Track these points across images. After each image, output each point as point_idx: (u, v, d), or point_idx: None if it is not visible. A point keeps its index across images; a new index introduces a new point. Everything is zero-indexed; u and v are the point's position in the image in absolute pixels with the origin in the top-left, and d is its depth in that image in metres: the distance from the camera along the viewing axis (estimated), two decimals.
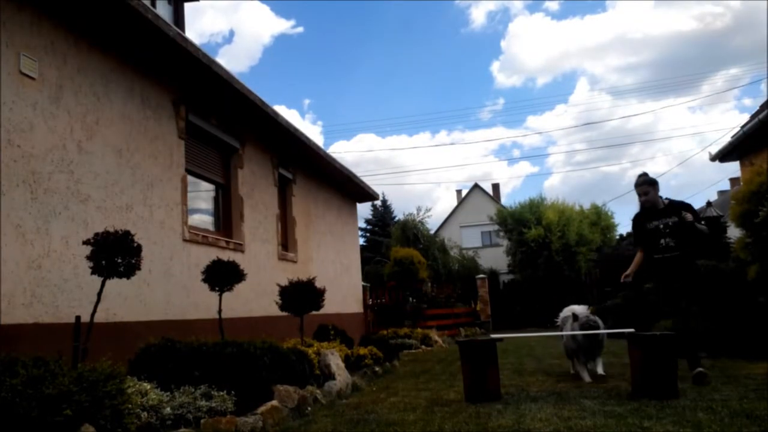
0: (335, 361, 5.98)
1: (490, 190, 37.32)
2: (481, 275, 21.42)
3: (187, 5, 9.26)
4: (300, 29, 65.48)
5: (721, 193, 35.03)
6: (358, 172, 13.79)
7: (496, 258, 28.67)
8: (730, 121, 69.20)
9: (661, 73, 58.52)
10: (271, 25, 66.34)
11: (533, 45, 62.75)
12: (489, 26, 64.76)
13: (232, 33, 68.37)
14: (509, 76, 66.37)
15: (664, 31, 59.80)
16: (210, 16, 64.05)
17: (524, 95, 65.32)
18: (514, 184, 62.92)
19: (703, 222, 6.06)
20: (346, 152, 64.21)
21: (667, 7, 60.24)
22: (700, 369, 5.07)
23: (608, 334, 5.99)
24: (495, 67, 65.65)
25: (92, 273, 4.00)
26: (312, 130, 66.61)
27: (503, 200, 36.42)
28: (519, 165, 70.64)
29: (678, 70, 60.95)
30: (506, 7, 64.77)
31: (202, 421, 3.67)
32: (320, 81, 67.27)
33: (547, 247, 24.36)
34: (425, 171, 66.15)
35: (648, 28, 61.83)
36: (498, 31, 64.92)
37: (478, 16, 66.06)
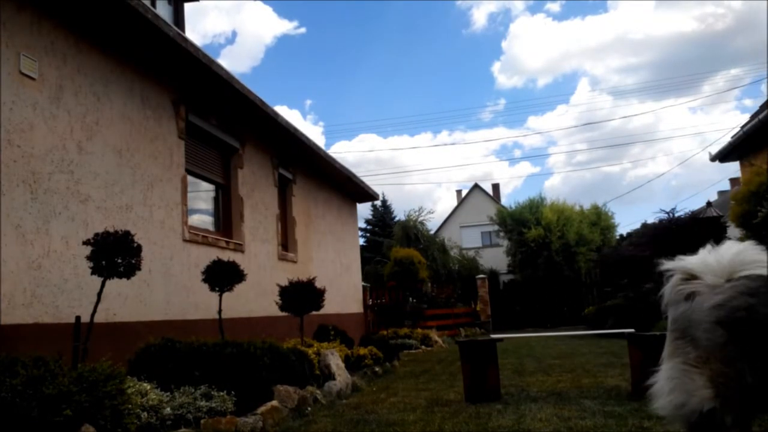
0: (335, 361, 5.98)
1: (490, 191, 37.31)
2: (481, 275, 21.40)
3: (187, 6, 9.26)
4: (302, 30, 65.41)
5: (721, 193, 34.95)
6: (360, 172, 13.83)
7: (496, 258, 28.66)
8: (730, 121, 69.08)
9: (662, 73, 58.36)
10: (274, 26, 66.30)
11: (534, 46, 62.66)
12: (490, 27, 64.69)
13: (234, 34, 68.34)
14: (510, 77, 66.36)
15: (665, 31, 59.67)
16: (212, 17, 63.99)
17: (525, 96, 65.26)
18: (515, 185, 62.85)
19: None
20: (347, 152, 64.02)
21: (668, 7, 60.20)
22: None
23: (608, 334, 5.99)
24: (496, 67, 65.61)
25: (92, 273, 4.00)
26: (313, 131, 66.60)
27: (503, 200, 36.44)
28: (520, 165, 70.52)
29: (679, 71, 60.83)
30: (507, 8, 64.68)
31: (202, 421, 3.67)
32: (322, 81, 67.19)
33: (547, 247, 24.37)
34: (426, 171, 66.08)
35: (649, 28, 61.73)
36: (499, 32, 64.85)
37: (480, 17, 66.02)
